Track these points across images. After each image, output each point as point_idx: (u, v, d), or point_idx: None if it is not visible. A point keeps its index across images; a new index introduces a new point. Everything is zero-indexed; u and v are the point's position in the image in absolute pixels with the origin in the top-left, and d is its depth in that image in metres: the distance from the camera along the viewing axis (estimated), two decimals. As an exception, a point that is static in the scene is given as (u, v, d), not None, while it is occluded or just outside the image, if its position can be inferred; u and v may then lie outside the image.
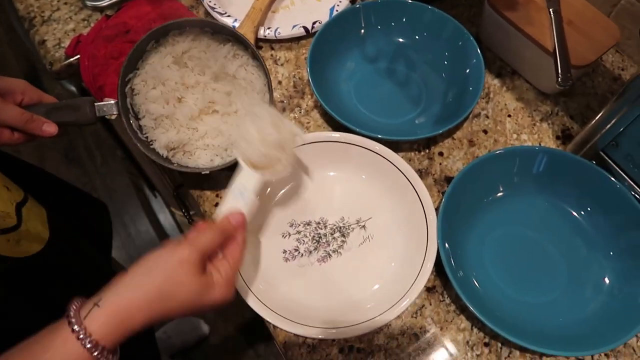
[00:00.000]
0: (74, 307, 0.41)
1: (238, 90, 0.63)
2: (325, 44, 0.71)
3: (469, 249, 0.60)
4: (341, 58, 0.73)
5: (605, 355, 0.56)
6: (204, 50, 0.63)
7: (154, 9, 0.76)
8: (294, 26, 0.75)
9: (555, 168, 0.61)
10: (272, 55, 0.77)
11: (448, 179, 0.66)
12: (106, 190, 1.73)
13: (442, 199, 0.59)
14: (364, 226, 0.62)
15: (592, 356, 0.56)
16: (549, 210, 0.62)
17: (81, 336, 0.39)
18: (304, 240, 0.62)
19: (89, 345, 0.39)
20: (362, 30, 0.75)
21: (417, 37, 0.75)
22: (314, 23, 0.76)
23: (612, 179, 0.58)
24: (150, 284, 0.42)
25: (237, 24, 0.74)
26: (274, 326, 0.56)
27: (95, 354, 0.39)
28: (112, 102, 0.59)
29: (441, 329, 0.57)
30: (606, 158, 0.60)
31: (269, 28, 0.75)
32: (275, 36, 0.75)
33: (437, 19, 0.72)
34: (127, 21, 0.74)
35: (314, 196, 0.64)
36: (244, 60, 0.63)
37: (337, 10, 0.76)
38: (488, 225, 0.62)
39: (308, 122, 0.71)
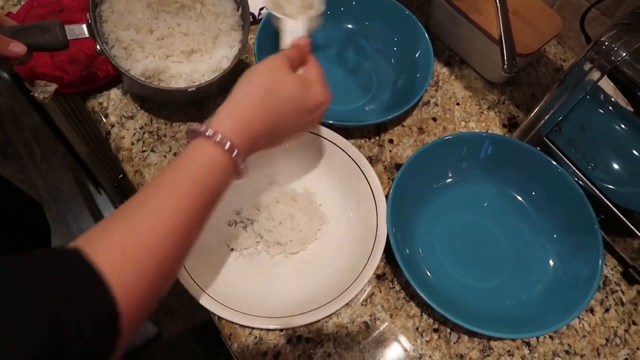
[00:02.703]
0: (199, 125, 0.41)
1: (207, 20, 0.64)
2: (272, 29, 0.69)
3: (419, 235, 0.60)
4: (290, 44, 0.72)
5: (550, 337, 0.57)
6: None
7: (91, -12, 0.72)
8: (241, 9, 0.73)
9: (500, 154, 0.62)
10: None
11: (398, 166, 0.65)
12: (47, 187, 1.64)
13: (391, 186, 0.58)
14: (313, 213, 0.61)
15: (537, 339, 0.57)
16: (496, 195, 0.63)
17: (217, 138, 0.40)
18: (251, 229, 0.59)
19: (227, 146, 0.40)
20: (312, 15, 0.73)
21: (366, 23, 0.74)
22: (260, 9, 0.73)
23: (554, 162, 0.59)
24: (256, 87, 0.44)
25: None
26: (219, 317, 0.54)
27: (234, 155, 0.41)
28: (83, 25, 0.56)
29: (391, 316, 0.56)
30: (550, 144, 0.61)
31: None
32: (222, 19, 0.72)
33: (386, 6, 0.72)
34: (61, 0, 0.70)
35: (263, 183, 0.62)
36: None
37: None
38: (437, 211, 0.62)
39: (256, 109, 0.68)
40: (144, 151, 0.64)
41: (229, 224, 0.59)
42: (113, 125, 0.66)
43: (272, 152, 0.61)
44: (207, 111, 0.67)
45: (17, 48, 0.52)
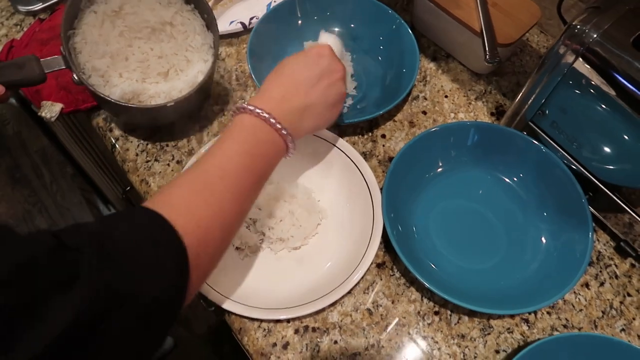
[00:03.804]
0: (237, 105, 0.51)
1: (178, 40, 0.65)
2: (264, 36, 0.72)
3: (415, 223, 0.62)
4: (280, 50, 0.75)
5: (548, 313, 0.59)
6: (137, 4, 0.63)
7: (89, 11, 0.75)
8: (231, 22, 0.76)
9: (486, 140, 0.64)
10: (213, 51, 0.77)
11: (391, 159, 0.68)
12: (58, 208, 1.68)
13: (385, 178, 0.61)
14: (312, 209, 0.63)
15: (535, 315, 0.59)
16: (486, 180, 0.65)
17: (251, 109, 0.50)
18: (254, 227, 0.62)
19: (265, 115, 0.50)
20: (300, 22, 0.76)
21: (352, 25, 0.77)
22: (251, 18, 0.77)
23: (536, 143, 0.62)
24: (270, 75, 0.56)
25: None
26: (228, 313, 0.56)
27: (272, 121, 0.50)
28: (58, 56, 0.57)
29: (392, 302, 0.59)
30: (535, 127, 0.64)
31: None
32: (214, 32, 0.76)
33: (370, 7, 0.75)
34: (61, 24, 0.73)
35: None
36: (178, 7, 0.65)
37: (272, 3, 0.77)
38: (431, 199, 0.64)
39: (252, 114, 0.71)
40: (148, 161, 0.67)
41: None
42: (117, 139, 0.69)
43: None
44: (205, 119, 0.70)
45: None
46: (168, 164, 0.67)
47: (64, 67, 0.58)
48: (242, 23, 0.76)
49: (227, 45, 0.78)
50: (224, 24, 0.76)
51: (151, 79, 0.64)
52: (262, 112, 0.49)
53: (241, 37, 0.79)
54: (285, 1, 0.75)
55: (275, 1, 0.78)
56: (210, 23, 0.65)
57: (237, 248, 0.61)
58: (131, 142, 0.69)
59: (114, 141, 0.69)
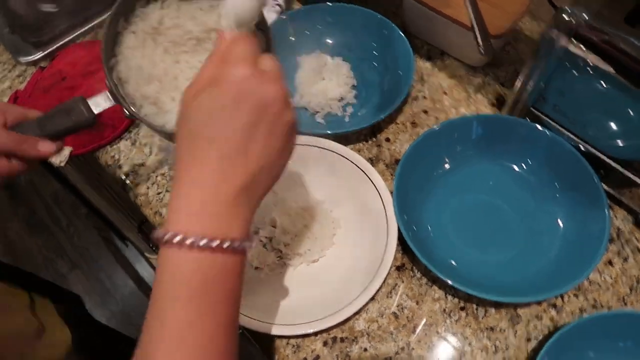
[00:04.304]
0: (157, 233, 0.33)
1: None
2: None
3: (429, 222, 0.63)
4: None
5: (575, 295, 0.59)
6: (177, 16, 0.57)
7: (88, 52, 0.77)
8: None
9: (490, 131, 0.65)
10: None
11: (398, 162, 0.68)
12: (76, 250, 1.70)
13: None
14: (326, 220, 0.64)
15: (562, 299, 0.58)
16: (494, 171, 0.65)
17: (180, 240, 0.32)
18: (270, 246, 0.63)
19: (205, 242, 0.32)
20: (292, 38, 0.77)
21: (344, 35, 0.78)
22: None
23: (540, 127, 0.62)
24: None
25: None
26: (256, 334, 0.56)
27: (220, 244, 0.32)
28: (105, 92, 0.52)
29: (417, 303, 0.59)
30: (538, 113, 0.64)
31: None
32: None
33: (360, 16, 0.76)
34: (62, 69, 0.75)
35: (272, 201, 0.65)
36: (221, 10, 0.55)
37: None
38: (442, 196, 0.64)
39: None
40: (159, 193, 0.68)
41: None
42: (127, 175, 0.70)
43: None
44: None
45: (45, 148, 0.49)
46: (180, 193, 0.68)
47: (113, 104, 0.52)
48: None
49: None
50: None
51: None
52: (201, 240, 0.32)
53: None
54: (276, 20, 0.76)
55: (265, 21, 0.80)
56: (260, 21, 0.56)
57: (256, 268, 0.61)
58: (141, 176, 0.70)
59: (124, 177, 0.70)
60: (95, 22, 0.83)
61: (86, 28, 0.82)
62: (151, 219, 0.68)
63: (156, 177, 0.70)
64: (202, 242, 0.32)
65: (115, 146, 0.73)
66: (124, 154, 0.72)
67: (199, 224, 0.33)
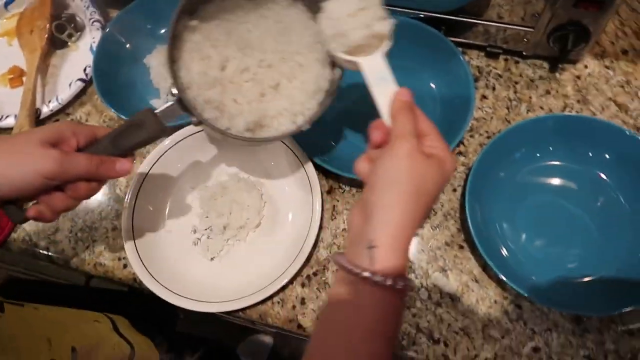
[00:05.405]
0: (343, 261, 0.39)
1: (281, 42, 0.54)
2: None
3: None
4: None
5: (470, 136, 0.67)
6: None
7: None
8: (70, 84, 0.75)
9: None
10: (72, 119, 0.76)
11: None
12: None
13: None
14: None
15: (464, 144, 0.67)
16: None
17: (378, 280, 0.37)
18: (214, 234, 0.65)
19: (389, 283, 0.37)
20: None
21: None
22: (84, 69, 0.76)
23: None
24: (403, 193, 0.39)
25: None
26: (243, 310, 0.60)
27: (400, 287, 0.38)
28: (171, 101, 0.50)
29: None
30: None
31: (49, 101, 0.75)
32: (60, 103, 0.75)
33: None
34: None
35: (191, 193, 0.68)
36: (269, 3, 0.54)
37: (93, 45, 0.77)
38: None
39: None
40: (86, 245, 0.68)
41: (194, 244, 0.65)
42: (47, 248, 0.69)
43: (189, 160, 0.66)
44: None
45: (124, 166, 0.49)
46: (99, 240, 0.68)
47: (181, 113, 0.50)
48: (80, 79, 0.75)
49: (80, 106, 0.77)
50: (64, 90, 0.75)
51: (267, 95, 0.54)
52: (400, 282, 0.38)
53: (88, 91, 0.78)
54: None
55: (93, 41, 0.77)
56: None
57: (212, 259, 0.64)
58: (60, 241, 0.69)
59: (46, 252, 0.69)
60: None
61: None
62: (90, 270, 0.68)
63: (75, 232, 0.69)
64: (405, 284, 0.38)
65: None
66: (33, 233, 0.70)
67: (400, 265, 0.39)
